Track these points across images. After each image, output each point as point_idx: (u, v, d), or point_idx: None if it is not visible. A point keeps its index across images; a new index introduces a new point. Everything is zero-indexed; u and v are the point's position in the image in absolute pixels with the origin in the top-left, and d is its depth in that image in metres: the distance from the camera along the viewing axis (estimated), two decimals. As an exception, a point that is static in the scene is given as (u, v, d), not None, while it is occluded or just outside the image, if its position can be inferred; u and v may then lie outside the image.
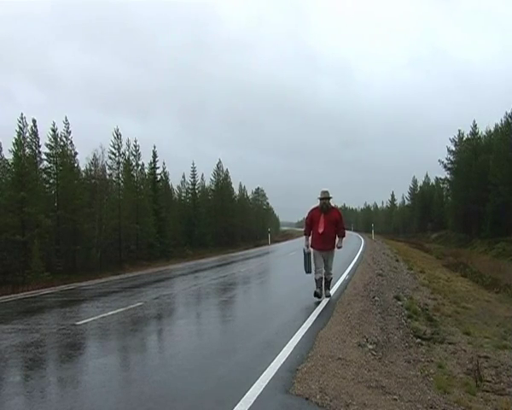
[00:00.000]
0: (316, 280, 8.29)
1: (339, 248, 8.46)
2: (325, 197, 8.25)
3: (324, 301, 8.23)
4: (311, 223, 8.32)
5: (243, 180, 67.45)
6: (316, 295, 8.21)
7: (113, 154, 32.75)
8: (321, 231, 8.09)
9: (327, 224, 8.10)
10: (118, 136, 32.95)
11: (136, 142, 36.00)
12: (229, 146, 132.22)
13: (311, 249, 8.35)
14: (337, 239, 8.43)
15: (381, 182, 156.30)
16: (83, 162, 41.89)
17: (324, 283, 8.41)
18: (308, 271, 8.43)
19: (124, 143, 33.20)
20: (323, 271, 8.35)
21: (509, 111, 44.72)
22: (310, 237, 8.42)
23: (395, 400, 3.91)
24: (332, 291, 9.10)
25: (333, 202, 8.55)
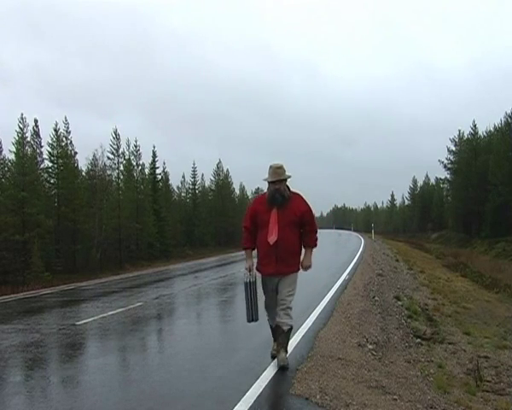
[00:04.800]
0: (272, 329, 4.71)
1: (305, 268, 4.61)
2: (278, 180, 4.44)
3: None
4: (252, 226, 4.58)
5: (235, 179, 65.88)
6: (273, 356, 4.65)
7: (112, 154, 32.78)
8: (272, 239, 4.41)
9: (282, 226, 4.40)
10: (117, 136, 32.96)
11: (136, 142, 36.08)
12: (206, 144, 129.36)
13: (257, 274, 4.61)
14: (303, 252, 4.64)
15: (381, 182, 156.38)
16: (82, 162, 41.93)
17: (277, 335, 4.53)
18: (252, 318, 4.61)
19: (109, 141, 32.60)
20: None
21: (508, 111, 44.81)
22: (253, 252, 4.69)
23: (395, 400, 3.91)
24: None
25: (291, 185, 4.63)
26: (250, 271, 4.58)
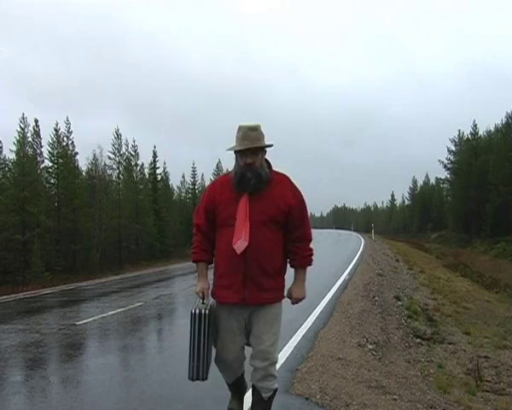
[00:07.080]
0: (229, 386, 3.01)
1: (296, 301, 2.83)
2: (250, 149, 2.56)
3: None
4: (208, 224, 2.80)
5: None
6: None
7: (113, 153, 32.82)
8: (240, 245, 2.58)
9: (256, 224, 2.57)
10: (118, 136, 32.99)
11: (134, 142, 36.09)
12: (197, 145, 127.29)
13: (213, 303, 2.91)
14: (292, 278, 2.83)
15: (381, 182, 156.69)
16: (82, 162, 41.99)
17: (253, 403, 2.77)
18: (197, 375, 2.67)
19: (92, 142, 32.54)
20: (243, 367, 2.87)
21: (509, 111, 44.82)
22: (207, 266, 3.01)
23: (395, 400, 3.91)
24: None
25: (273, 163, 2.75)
26: (202, 297, 2.86)
